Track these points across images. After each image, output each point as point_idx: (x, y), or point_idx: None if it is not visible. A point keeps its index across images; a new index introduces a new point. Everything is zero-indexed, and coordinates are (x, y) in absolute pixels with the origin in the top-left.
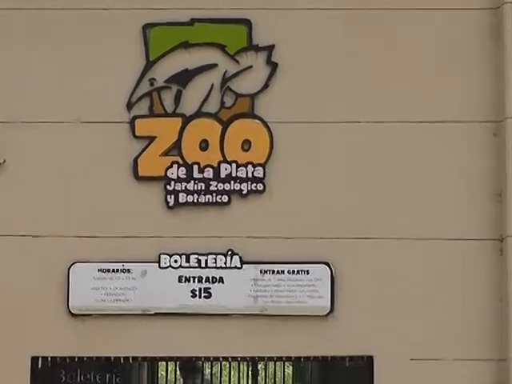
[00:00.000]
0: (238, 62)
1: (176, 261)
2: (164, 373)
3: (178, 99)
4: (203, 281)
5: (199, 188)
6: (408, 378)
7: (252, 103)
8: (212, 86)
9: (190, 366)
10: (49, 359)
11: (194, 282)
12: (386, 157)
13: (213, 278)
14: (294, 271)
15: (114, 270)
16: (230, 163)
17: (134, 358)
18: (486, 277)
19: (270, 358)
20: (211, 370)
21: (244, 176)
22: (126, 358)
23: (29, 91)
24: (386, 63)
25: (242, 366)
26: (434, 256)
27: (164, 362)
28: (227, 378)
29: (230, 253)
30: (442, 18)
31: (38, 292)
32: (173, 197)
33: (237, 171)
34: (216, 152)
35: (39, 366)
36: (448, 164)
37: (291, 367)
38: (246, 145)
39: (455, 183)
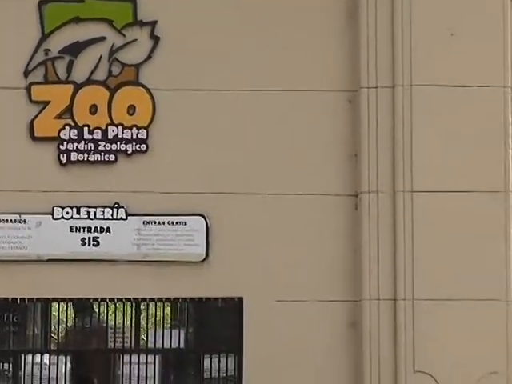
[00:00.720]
0: (124, 35)
1: (68, 213)
2: (56, 313)
3: (70, 68)
4: (92, 230)
5: (89, 148)
6: (274, 317)
7: (137, 72)
8: (101, 56)
9: (80, 307)
10: None
11: (83, 231)
12: (255, 120)
13: (101, 228)
14: (173, 222)
15: (11, 221)
16: (116, 126)
17: (30, 299)
18: (343, 229)
19: (151, 299)
20: (99, 310)
21: (129, 137)
22: (22, 299)
23: None
24: (255, 37)
25: (126, 307)
26: (298, 209)
27: (56, 303)
28: (113, 317)
29: (116, 206)
30: None
31: None
32: (65, 155)
33: (123, 133)
34: (104, 116)
35: None
36: (310, 128)
37: (169, 307)
38: (131, 109)
39: (316, 145)
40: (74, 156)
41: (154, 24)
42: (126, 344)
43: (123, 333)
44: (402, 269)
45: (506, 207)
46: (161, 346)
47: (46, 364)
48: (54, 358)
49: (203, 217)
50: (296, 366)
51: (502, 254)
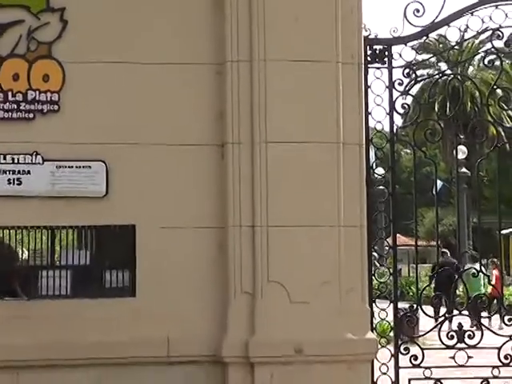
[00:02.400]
0: (39, 19)
1: None
2: None
3: None
4: (16, 173)
5: (13, 107)
6: (159, 240)
7: (50, 48)
8: (21, 36)
9: (6, 233)
10: None
11: (9, 173)
12: (146, 88)
13: (23, 171)
14: (80, 166)
15: None
16: (34, 90)
17: None
18: (213, 171)
19: (63, 227)
20: (22, 236)
21: (44, 100)
22: None
23: None
24: (144, 19)
25: (43, 233)
26: (178, 156)
27: None
28: (33, 241)
29: (34, 153)
30: None
31: None
32: None
33: (39, 96)
34: (24, 82)
35: None
36: (188, 94)
37: (77, 233)
38: (46, 78)
39: (193, 107)
40: (0, 114)
41: (63, 10)
42: (43, 262)
43: (41, 253)
44: (259, 203)
45: (337, 155)
46: (71, 263)
47: None
48: None
49: (104, 162)
50: (176, 278)
51: (334, 192)
